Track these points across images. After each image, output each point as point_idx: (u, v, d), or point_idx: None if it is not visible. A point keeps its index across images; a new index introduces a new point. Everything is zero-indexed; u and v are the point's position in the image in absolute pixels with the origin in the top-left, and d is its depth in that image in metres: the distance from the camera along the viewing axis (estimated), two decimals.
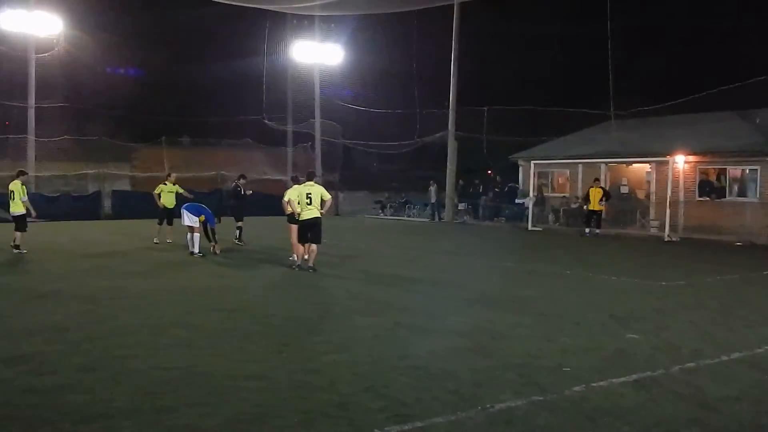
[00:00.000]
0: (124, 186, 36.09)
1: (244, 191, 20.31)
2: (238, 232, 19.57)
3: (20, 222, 16.83)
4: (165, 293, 11.57)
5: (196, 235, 16.68)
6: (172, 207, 19.39)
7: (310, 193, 14.01)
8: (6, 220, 18.63)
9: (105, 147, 35.02)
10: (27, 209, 16.89)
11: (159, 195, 19.53)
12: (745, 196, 24.49)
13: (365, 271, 14.80)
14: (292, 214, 14.56)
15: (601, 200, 24.41)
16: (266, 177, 35.73)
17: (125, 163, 38.09)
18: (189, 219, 16.53)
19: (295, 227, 14.64)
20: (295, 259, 14.75)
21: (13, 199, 16.84)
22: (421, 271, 15.11)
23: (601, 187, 25.01)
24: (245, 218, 20.04)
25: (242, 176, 21.09)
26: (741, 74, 25.18)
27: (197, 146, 40.63)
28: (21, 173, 17.65)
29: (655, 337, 8.64)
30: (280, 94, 38.99)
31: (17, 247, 16.67)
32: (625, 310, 10.52)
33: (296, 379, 6.65)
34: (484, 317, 9.86)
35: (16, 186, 16.90)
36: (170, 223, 19.36)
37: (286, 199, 14.83)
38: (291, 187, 15.06)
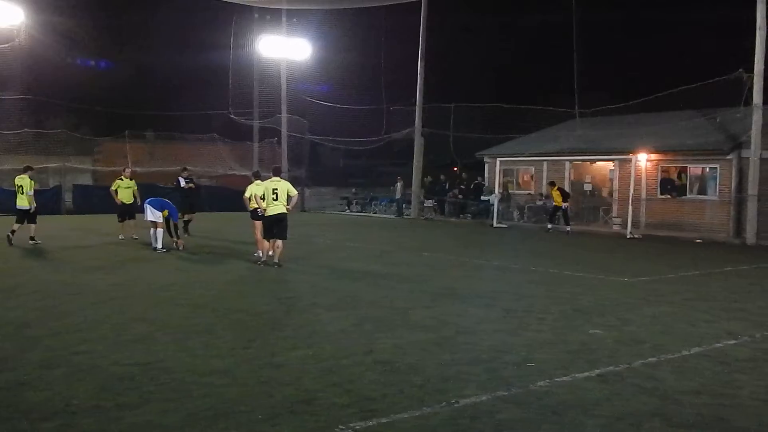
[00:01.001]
0: (86, 180, 35.52)
1: (184, 184, 20.10)
2: (183, 225, 19.25)
3: (31, 215, 17.27)
4: (127, 288, 11.40)
5: (159, 230, 16.48)
6: (130, 203, 19.06)
7: (276, 189, 13.87)
8: None
9: (67, 140, 34.41)
10: (29, 203, 17.26)
11: (116, 191, 19.17)
12: (705, 194, 24.94)
13: (331, 267, 14.76)
14: (256, 210, 14.41)
15: (564, 200, 24.76)
16: (232, 172, 35.40)
17: (87, 157, 37.43)
18: (152, 214, 16.31)
19: (258, 223, 14.52)
20: (260, 255, 14.64)
21: (22, 193, 17.18)
22: (387, 266, 15.11)
23: (558, 189, 25.23)
24: (196, 213, 20.11)
25: (185, 169, 20.92)
26: (702, 74, 25.60)
27: (162, 140, 40.04)
28: (28, 168, 17.81)
29: (617, 332, 8.75)
30: (247, 88, 38.62)
31: (32, 238, 17.24)
32: (589, 305, 10.64)
33: (261, 375, 6.61)
34: (450, 312, 9.90)
35: (24, 180, 17.28)
36: (132, 218, 19.03)
37: (247, 194, 14.69)
38: (253, 182, 14.94)
